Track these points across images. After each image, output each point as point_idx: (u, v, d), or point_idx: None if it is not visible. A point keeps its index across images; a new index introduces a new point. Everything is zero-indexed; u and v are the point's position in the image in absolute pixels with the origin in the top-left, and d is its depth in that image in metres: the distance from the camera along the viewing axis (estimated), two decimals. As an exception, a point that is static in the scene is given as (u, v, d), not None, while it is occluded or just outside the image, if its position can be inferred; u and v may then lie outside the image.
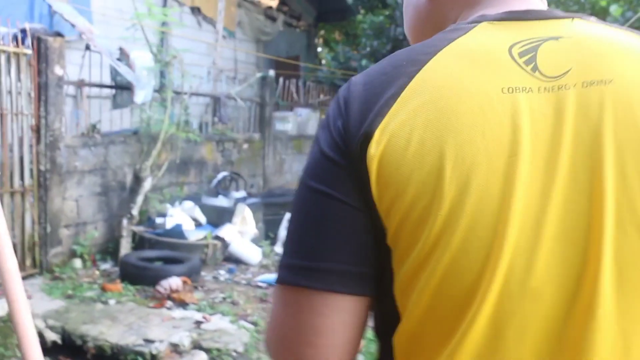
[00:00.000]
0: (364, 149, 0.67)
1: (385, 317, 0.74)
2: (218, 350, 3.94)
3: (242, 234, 6.45)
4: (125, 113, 6.54)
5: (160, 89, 6.43)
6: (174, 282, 4.89)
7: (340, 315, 0.69)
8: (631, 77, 0.67)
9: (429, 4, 0.85)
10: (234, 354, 3.91)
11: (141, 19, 5.92)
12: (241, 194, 7.40)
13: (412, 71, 0.69)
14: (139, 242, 5.80)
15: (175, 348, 3.95)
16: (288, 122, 9.53)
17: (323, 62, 12.33)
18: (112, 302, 4.66)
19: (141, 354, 3.85)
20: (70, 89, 6.18)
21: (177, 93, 6.63)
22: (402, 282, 0.69)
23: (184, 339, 4.00)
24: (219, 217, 6.52)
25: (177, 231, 5.84)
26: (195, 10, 9.68)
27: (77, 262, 5.51)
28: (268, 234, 6.87)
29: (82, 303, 4.60)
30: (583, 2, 7.50)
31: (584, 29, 0.73)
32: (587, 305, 0.64)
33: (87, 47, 5.94)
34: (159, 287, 4.85)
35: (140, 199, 6.00)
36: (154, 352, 3.86)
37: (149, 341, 3.98)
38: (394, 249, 0.69)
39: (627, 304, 0.65)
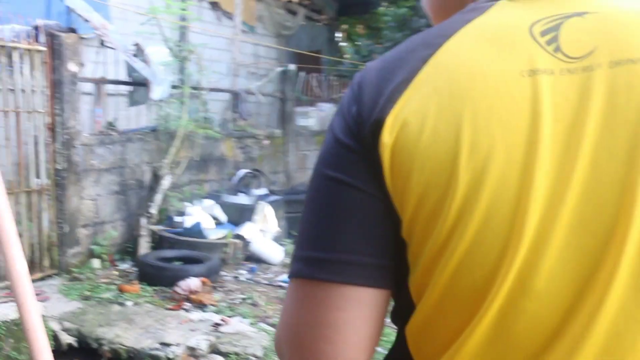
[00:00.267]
0: (377, 136, 0.64)
1: (401, 308, 0.71)
2: (236, 354, 3.79)
3: (263, 232, 6.30)
4: (142, 110, 6.43)
5: (179, 85, 6.31)
6: (192, 282, 4.76)
7: (359, 310, 0.66)
8: None
9: None
10: (253, 358, 3.76)
11: (157, 12, 5.79)
12: (262, 191, 7.26)
13: (426, 55, 0.66)
14: (158, 242, 5.68)
15: (192, 352, 3.82)
16: (310, 117, 9.35)
17: (346, 56, 12.12)
18: (129, 303, 4.54)
19: (157, 358, 3.72)
20: (89, 87, 6.09)
21: (195, 89, 6.49)
22: (417, 275, 0.66)
23: (201, 342, 3.86)
24: (239, 215, 6.38)
25: (197, 230, 5.71)
26: (215, 5, 9.56)
27: (96, 263, 5.41)
28: (290, 232, 6.72)
29: (99, 305, 4.49)
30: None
31: (613, 2, 0.67)
32: (595, 305, 0.60)
33: (102, 43, 5.82)
34: (177, 288, 4.72)
35: (159, 197, 5.88)
36: (170, 356, 3.72)
37: (165, 345, 3.85)
38: (409, 242, 0.66)
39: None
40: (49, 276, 5.06)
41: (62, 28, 5.27)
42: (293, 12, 11.52)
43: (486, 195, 0.61)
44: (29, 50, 4.85)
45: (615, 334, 0.60)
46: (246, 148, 7.80)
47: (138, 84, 6.16)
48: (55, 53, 5.08)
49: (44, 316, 4.01)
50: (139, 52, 6.07)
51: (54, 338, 3.91)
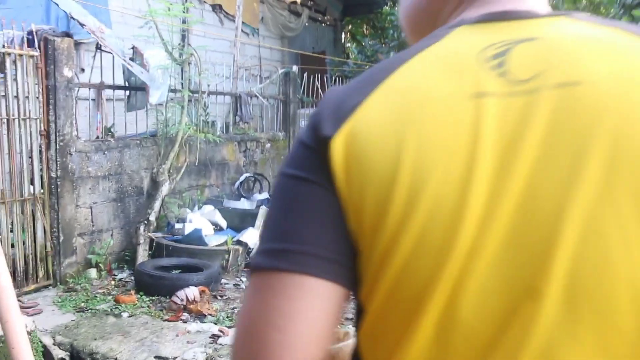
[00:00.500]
0: (330, 150, 0.67)
1: (357, 312, 0.74)
2: (234, 367, 3.64)
3: (265, 238, 6.14)
4: (141, 115, 6.30)
5: (178, 89, 6.18)
6: (190, 292, 4.62)
7: (312, 301, 0.66)
8: (600, 77, 0.64)
9: (424, 3, 0.83)
10: (251, 372, 3.61)
11: (156, 15, 5.66)
12: (265, 195, 7.12)
13: (380, 78, 0.70)
14: (156, 250, 5.55)
15: (188, 366, 3.68)
16: (314, 120, 9.18)
17: (351, 56, 11.97)
18: (125, 315, 4.41)
19: (151, 373, 3.59)
20: (89, 93, 5.96)
21: (195, 92, 6.36)
22: (365, 281, 0.69)
23: (198, 355, 3.72)
24: (241, 221, 6.24)
25: (196, 237, 5.57)
26: (217, 8, 9.44)
27: (93, 272, 5.29)
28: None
29: (93, 317, 4.35)
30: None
31: (565, 28, 0.70)
32: (529, 319, 0.62)
33: (98, 47, 5.70)
34: (174, 298, 4.58)
35: (157, 204, 5.75)
36: (165, 371, 3.59)
37: (161, 358, 3.71)
38: (360, 253, 0.68)
39: (571, 325, 0.61)
40: (44, 287, 4.94)
41: (57, 32, 5.15)
42: (297, 13, 11.39)
43: (421, 214, 0.63)
44: (21, 55, 4.72)
45: (549, 348, 0.62)
46: (248, 152, 7.66)
47: (136, 89, 6.03)
48: (49, 58, 4.96)
49: (35, 330, 3.88)
50: (136, 55, 5.94)
51: (45, 353, 3.78)
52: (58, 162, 5.06)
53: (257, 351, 0.66)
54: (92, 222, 5.47)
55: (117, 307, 4.54)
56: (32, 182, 4.92)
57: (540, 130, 0.63)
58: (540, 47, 0.67)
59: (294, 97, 8.67)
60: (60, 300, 4.67)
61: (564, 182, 0.61)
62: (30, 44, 4.82)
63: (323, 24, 12.77)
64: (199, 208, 6.26)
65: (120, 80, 6.01)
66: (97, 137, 5.88)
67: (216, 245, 5.66)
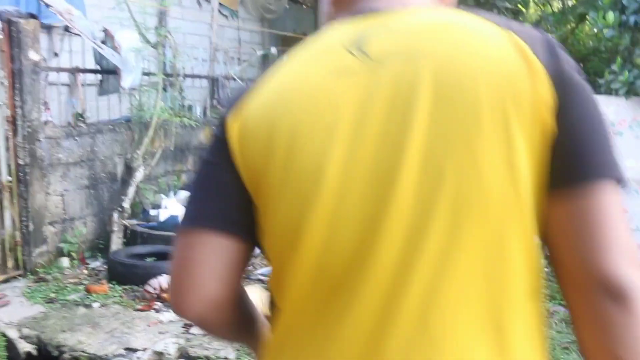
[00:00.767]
0: (228, 130, 0.87)
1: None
2: (207, 358, 3.54)
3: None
4: (114, 100, 6.12)
5: (152, 73, 6.00)
6: (164, 280, 4.49)
7: (212, 249, 0.87)
8: (439, 50, 0.79)
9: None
10: (223, 363, 3.51)
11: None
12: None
13: (271, 71, 0.89)
14: (131, 237, 5.41)
15: (159, 357, 3.56)
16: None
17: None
18: (96, 305, 4.28)
19: (120, 366, 3.47)
20: (58, 77, 5.76)
21: (169, 76, 6.19)
22: (263, 234, 0.87)
23: (169, 346, 3.61)
24: (218, 207, 6.10)
25: (172, 224, 5.42)
26: (194, -10, 9.22)
27: (65, 261, 5.14)
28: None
29: (63, 308, 4.22)
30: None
31: (416, 16, 0.85)
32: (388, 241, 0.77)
33: (67, 30, 5.51)
34: (147, 287, 4.46)
35: (131, 190, 5.60)
36: (135, 363, 3.47)
37: (130, 350, 3.60)
38: (258, 211, 0.86)
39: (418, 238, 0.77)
40: (14, 278, 4.80)
41: (22, 14, 4.96)
42: (276, -5, 11.17)
43: (296, 168, 0.80)
44: (-17, 38, 4.54)
45: (402, 260, 0.77)
46: (227, 136, 7.50)
47: (108, 72, 5.86)
48: (14, 41, 4.78)
49: (1, 323, 3.75)
50: (107, 38, 5.76)
51: (9, 348, 3.65)
52: (26, 149, 4.89)
53: (176, 291, 0.90)
54: (64, 210, 5.31)
55: (88, 298, 4.41)
56: (-2, 170, 4.76)
57: (387, 93, 0.79)
58: (397, 32, 0.83)
59: (273, 80, 8.48)
60: (29, 291, 4.53)
61: (402, 127, 0.77)
62: (-7, 26, 4.64)
63: (304, 6, 12.56)
64: (175, 194, 6.12)
65: (91, 64, 5.83)
66: (69, 123, 5.70)
67: (192, 232, 5.52)
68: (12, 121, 4.82)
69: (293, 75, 0.85)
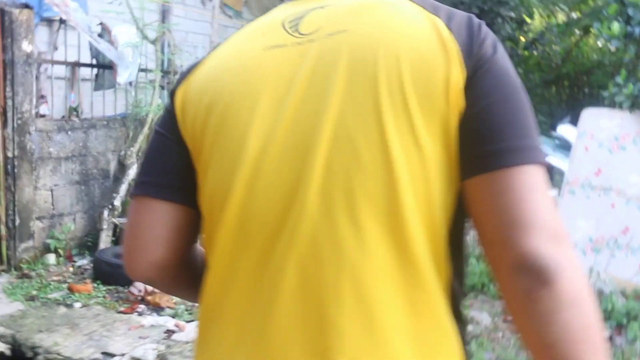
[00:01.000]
0: (175, 101, 0.95)
1: None
2: (186, 366, 3.41)
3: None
4: (109, 96, 6.01)
5: (149, 69, 5.88)
6: (149, 282, 4.37)
7: (155, 215, 0.93)
8: (360, 26, 0.85)
9: None
10: (202, 372, 3.37)
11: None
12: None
13: (218, 45, 0.98)
14: (120, 236, 5.28)
15: (137, 363, 3.44)
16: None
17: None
18: (77, 305, 4.16)
19: (95, 371, 3.34)
20: (59, 71, 5.65)
21: (167, 73, 6.08)
22: (200, 196, 0.92)
23: (148, 352, 3.48)
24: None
25: (163, 224, 5.31)
26: (199, -13, 9.11)
27: (51, 258, 5.02)
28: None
29: (43, 306, 4.10)
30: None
31: None
32: (301, 205, 0.80)
33: (62, 22, 5.40)
34: (132, 289, 4.34)
35: (124, 187, 5.48)
36: (111, 368, 3.35)
37: (107, 355, 3.47)
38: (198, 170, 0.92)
39: (331, 212, 0.79)
40: (-3, 273, 4.68)
41: (16, 3, 4.86)
42: (283, -4, 11.06)
43: (226, 133, 0.87)
44: (-25, 26, 4.44)
45: (316, 228, 0.79)
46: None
47: (104, 67, 5.74)
48: (6, 31, 4.67)
49: (-24, 320, 3.63)
50: (104, 32, 5.65)
51: (-19, 346, 3.53)
52: (15, 141, 4.79)
53: (126, 253, 0.97)
54: (53, 205, 5.20)
55: (70, 297, 4.29)
56: (-14, 162, 4.65)
57: (310, 66, 0.84)
58: (327, 11, 0.89)
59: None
60: (10, 287, 4.41)
61: (319, 100, 0.81)
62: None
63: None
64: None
65: (87, 59, 5.71)
66: (63, 117, 5.59)
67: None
68: (2, 112, 4.71)
69: (233, 49, 0.92)
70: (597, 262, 4.65)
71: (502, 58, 0.81)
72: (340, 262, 0.77)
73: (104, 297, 4.35)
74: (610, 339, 3.81)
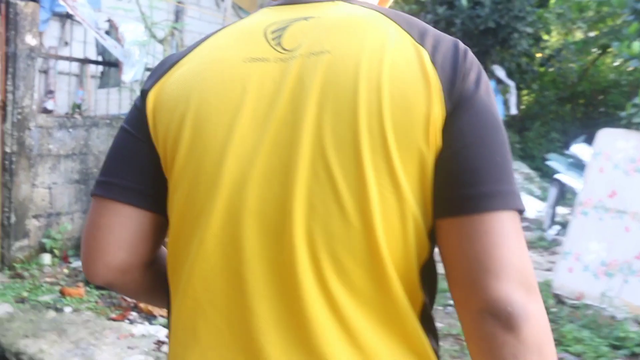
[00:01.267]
0: (146, 101, 0.89)
1: None
2: (175, 381, 3.26)
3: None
4: (114, 94, 5.89)
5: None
6: (143, 289, 4.23)
7: (117, 219, 0.89)
8: (342, 49, 0.81)
9: None
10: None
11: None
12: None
13: (193, 46, 0.93)
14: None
15: (124, 375, 3.29)
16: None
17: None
18: (67, 310, 4.02)
19: (79, 381, 3.20)
20: (64, 66, 5.55)
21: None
22: (168, 203, 0.89)
23: (136, 364, 3.34)
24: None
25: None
26: (213, -12, 9.01)
27: (46, 258, 4.90)
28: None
29: (32, 310, 3.97)
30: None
31: (337, 11, 0.87)
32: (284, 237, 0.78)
33: (69, 17, 5.29)
34: (125, 295, 4.19)
35: (123, 189, 5.34)
36: (95, 380, 3.20)
37: (94, 365, 3.32)
38: (167, 178, 0.88)
39: (316, 235, 0.77)
40: (-12, 271, 4.56)
41: (23, -4, 4.75)
42: None
43: (200, 147, 0.83)
44: (-22, 18, 4.33)
45: (301, 272, 0.78)
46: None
47: (109, 64, 5.63)
48: (10, 23, 4.56)
49: (-40, 321, 3.50)
50: (112, 29, 5.53)
51: (-37, 350, 3.39)
52: (14, 137, 4.67)
53: (84, 255, 0.93)
54: (50, 203, 5.07)
55: (61, 300, 4.15)
56: (-18, 157, 4.53)
57: (291, 87, 0.81)
58: (311, 24, 0.86)
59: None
60: (1, 288, 4.28)
61: (301, 127, 0.79)
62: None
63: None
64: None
65: (93, 55, 5.60)
66: (66, 114, 5.48)
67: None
68: (2, 107, 4.59)
69: (211, 55, 0.88)
70: (609, 287, 4.48)
71: (485, 94, 0.80)
72: (326, 301, 0.77)
73: (95, 302, 4.21)
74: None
